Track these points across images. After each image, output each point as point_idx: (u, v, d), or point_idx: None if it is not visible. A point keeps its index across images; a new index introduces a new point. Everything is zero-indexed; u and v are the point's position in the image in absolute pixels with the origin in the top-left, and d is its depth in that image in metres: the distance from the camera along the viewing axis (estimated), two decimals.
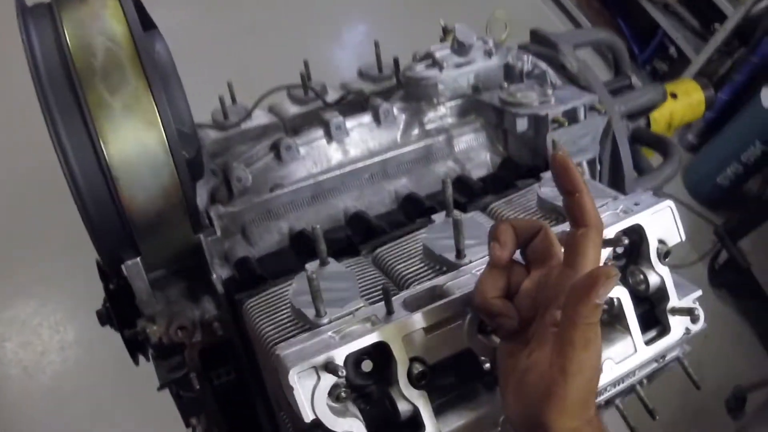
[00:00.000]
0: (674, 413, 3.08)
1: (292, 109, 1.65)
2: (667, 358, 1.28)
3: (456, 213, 1.22)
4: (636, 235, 1.21)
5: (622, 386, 1.24)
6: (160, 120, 1.15)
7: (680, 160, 1.59)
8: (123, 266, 1.21)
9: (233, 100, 1.66)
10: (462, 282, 1.09)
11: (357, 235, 1.36)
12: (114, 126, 1.13)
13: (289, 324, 1.13)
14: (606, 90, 1.50)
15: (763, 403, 2.94)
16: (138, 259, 1.21)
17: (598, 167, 1.50)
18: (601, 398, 1.23)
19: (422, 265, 1.20)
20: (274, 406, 1.31)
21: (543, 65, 1.57)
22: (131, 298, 1.25)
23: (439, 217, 1.24)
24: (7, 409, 3.14)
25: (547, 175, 1.32)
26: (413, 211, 1.41)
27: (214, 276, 1.27)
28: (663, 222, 1.22)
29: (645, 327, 1.23)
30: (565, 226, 1.18)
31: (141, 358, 1.40)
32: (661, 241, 1.22)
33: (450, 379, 1.15)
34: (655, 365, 1.26)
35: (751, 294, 3.34)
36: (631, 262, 1.24)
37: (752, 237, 3.32)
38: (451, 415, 1.10)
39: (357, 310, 1.07)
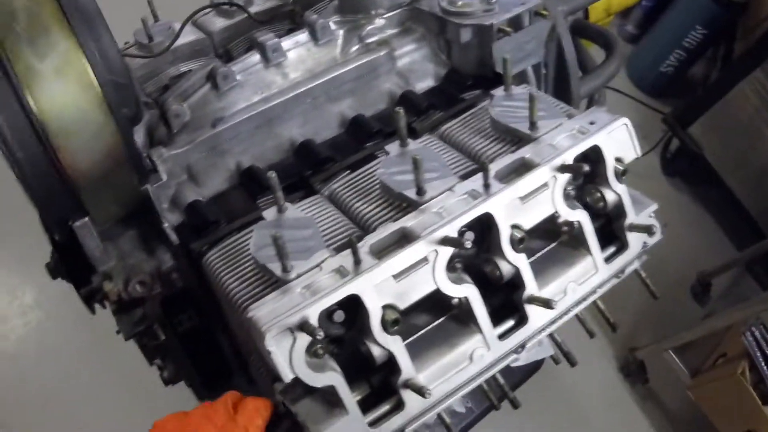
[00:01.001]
0: (641, 304, 3.17)
1: (219, 23, 1.57)
2: (626, 271, 1.30)
3: (411, 146, 1.20)
4: (594, 155, 1.20)
5: (585, 303, 1.26)
6: (95, 80, 1.07)
7: (622, 54, 1.58)
8: (73, 227, 1.16)
9: (155, 17, 1.56)
10: (426, 221, 1.08)
11: (306, 166, 1.32)
12: (48, 94, 1.06)
13: (254, 279, 1.11)
14: None
15: (728, 287, 3.01)
16: (87, 219, 1.17)
17: (544, 71, 1.48)
18: (566, 318, 1.25)
19: (382, 202, 1.18)
20: (242, 350, 1.31)
21: None
22: (81, 249, 1.21)
23: (392, 148, 1.21)
24: None
25: (498, 93, 1.29)
26: (361, 134, 1.37)
27: (166, 225, 1.23)
28: (619, 140, 1.22)
29: (603, 244, 1.25)
30: (523, 152, 1.18)
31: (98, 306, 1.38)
32: (618, 159, 1.22)
33: (419, 318, 1.17)
34: (614, 280, 1.29)
35: (705, 179, 3.38)
36: (589, 182, 1.24)
37: (701, 122, 3.31)
38: (426, 355, 1.12)
39: (323, 261, 1.06)
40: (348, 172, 1.29)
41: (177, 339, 1.29)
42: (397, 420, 1.08)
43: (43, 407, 2.87)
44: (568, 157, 1.15)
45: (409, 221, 1.09)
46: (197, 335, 1.31)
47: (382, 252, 1.06)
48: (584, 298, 1.24)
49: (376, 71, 1.46)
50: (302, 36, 1.46)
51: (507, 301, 1.18)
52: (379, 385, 1.10)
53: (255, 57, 1.41)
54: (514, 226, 1.12)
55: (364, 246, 1.07)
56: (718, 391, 2.37)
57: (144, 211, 1.24)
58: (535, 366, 2.36)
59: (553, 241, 1.24)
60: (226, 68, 1.37)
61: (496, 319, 1.16)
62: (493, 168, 1.15)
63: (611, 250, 1.26)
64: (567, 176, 1.15)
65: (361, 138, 1.35)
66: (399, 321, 1.04)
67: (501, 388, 1.26)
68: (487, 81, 1.37)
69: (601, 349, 3.07)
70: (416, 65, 1.50)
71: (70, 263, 1.26)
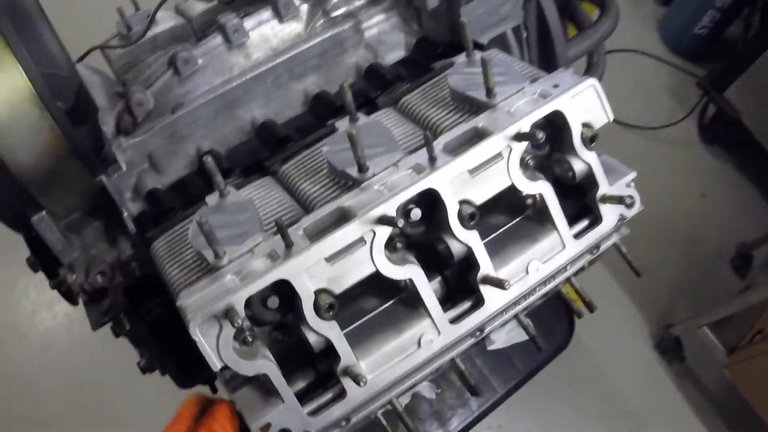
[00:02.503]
0: (678, 277, 3.05)
1: (198, 7, 1.53)
2: (603, 247, 1.22)
3: (361, 121, 1.15)
4: (558, 120, 1.12)
5: (554, 283, 1.19)
6: (25, 76, 1.05)
7: (617, 13, 1.47)
8: (32, 222, 1.16)
9: (136, 7, 1.55)
10: (365, 199, 1.03)
11: (265, 148, 1.28)
12: None
13: (193, 265, 1.08)
14: None
15: None
16: (43, 213, 1.16)
17: (525, 34, 1.39)
18: (531, 299, 1.18)
19: (328, 181, 1.13)
20: None
21: None
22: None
23: (342, 124, 1.16)
24: (4, 371, 3.17)
25: (459, 60, 1.22)
26: (324, 111, 1.32)
27: (125, 214, 1.21)
28: (586, 103, 1.12)
29: (576, 218, 1.18)
30: (477, 120, 1.11)
31: None
32: (586, 125, 1.13)
33: (367, 301, 1.12)
34: (589, 257, 1.21)
35: (744, 145, 3.21)
36: (556, 150, 1.16)
37: (737, 85, 3.14)
38: (370, 341, 1.07)
39: (256, 246, 1.03)
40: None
41: (146, 327, 1.27)
42: (338, 409, 1.03)
43: (72, 397, 2.96)
44: (525, 125, 1.06)
45: (347, 200, 1.04)
46: (168, 323, 1.29)
47: (318, 234, 1.01)
48: (553, 277, 1.17)
49: (342, 45, 1.40)
50: (266, 14, 1.42)
51: (463, 283, 1.11)
52: (326, 372, 1.07)
53: (217, 39, 1.38)
54: (464, 202, 1.05)
55: (299, 228, 1.02)
56: (755, 369, 2.24)
57: (108, 203, 1.24)
58: (559, 346, 2.27)
59: (518, 217, 1.17)
60: (187, 53, 1.34)
61: (453, 302, 1.10)
62: (443, 140, 1.08)
63: (584, 224, 1.17)
64: (524, 145, 1.07)
65: (325, 115, 1.30)
66: (334, 306, 0.99)
67: (462, 374, 1.19)
68: (459, 48, 1.29)
69: (635, 325, 2.97)
70: (385, 36, 1.44)
71: (41, 257, 1.26)
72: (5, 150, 1.08)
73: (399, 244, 1.06)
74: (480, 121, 1.09)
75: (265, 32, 1.41)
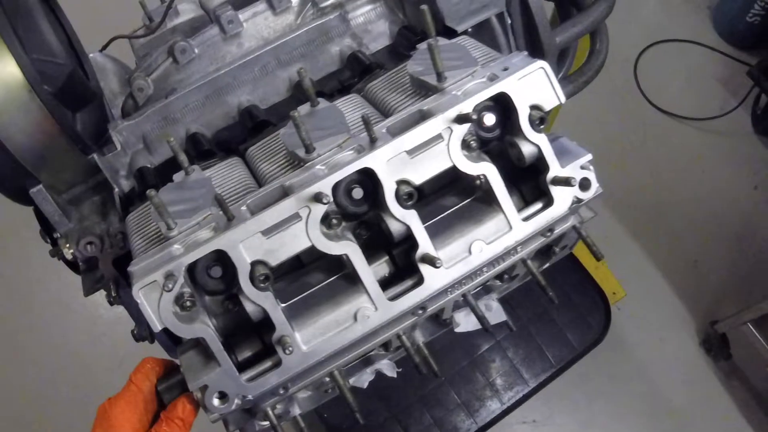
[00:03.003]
0: (727, 270, 2.96)
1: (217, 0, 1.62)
2: (558, 230, 1.21)
3: (321, 105, 1.20)
4: (506, 102, 1.14)
5: (504, 264, 1.20)
6: (14, 60, 1.18)
7: None
8: (30, 194, 1.28)
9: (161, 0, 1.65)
10: (306, 178, 1.08)
11: (246, 132, 1.35)
12: None
13: (153, 237, 1.16)
14: None
15: None
16: (40, 186, 1.27)
17: (509, 21, 1.40)
18: (479, 280, 1.19)
19: (284, 162, 1.19)
20: None
21: None
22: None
23: (303, 109, 1.21)
24: (53, 343, 3.39)
25: (421, 47, 1.25)
26: (304, 97, 1.37)
27: (116, 190, 1.32)
28: (535, 85, 1.14)
29: (532, 201, 1.19)
30: (424, 103, 1.14)
31: None
32: (535, 107, 1.14)
33: (313, 276, 1.17)
34: (542, 239, 1.21)
35: None
36: (507, 133, 1.18)
37: None
38: (308, 313, 1.12)
39: (204, 218, 1.09)
40: None
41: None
42: (274, 377, 1.09)
43: (117, 369, 3.07)
44: (466, 107, 1.09)
45: (290, 179, 1.09)
46: None
47: (259, 209, 1.07)
48: (502, 258, 1.18)
49: (328, 34, 1.45)
50: (260, 6, 1.49)
51: (408, 262, 1.15)
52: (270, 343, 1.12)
53: (214, 30, 1.47)
54: (402, 182, 1.09)
55: (243, 204, 1.09)
56: None
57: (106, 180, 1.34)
58: (594, 339, 2.24)
59: (468, 199, 1.19)
60: (185, 42, 1.43)
61: (395, 280, 1.14)
62: (389, 122, 1.12)
63: (537, 207, 1.18)
64: (465, 127, 1.10)
65: (303, 101, 1.35)
66: (269, 277, 1.05)
67: (421, 354, 1.22)
68: (440, 36, 1.32)
69: (681, 321, 2.89)
70: (371, 25, 1.48)
71: (46, 228, 1.37)
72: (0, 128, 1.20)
73: (335, 221, 1.10)
74: (426, 104, 1.12)
75: (259, 23, 1.49)
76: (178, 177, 1.19)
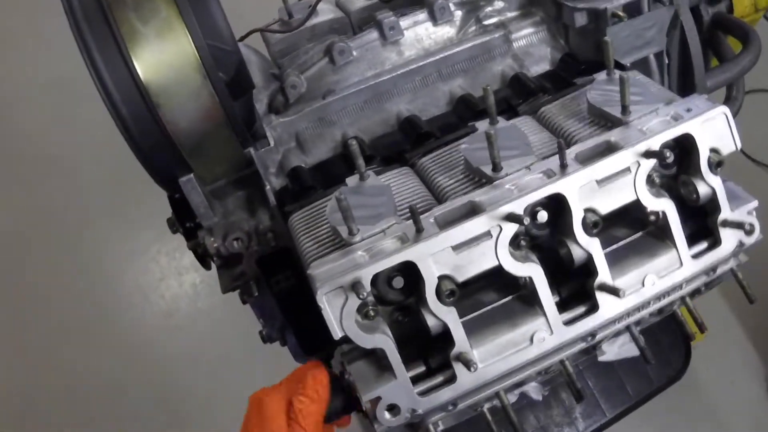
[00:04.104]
0: None
1: (358, 3, 1.62)
2: (719, 271, 1.23)
3: (501, 124, 1.20)
4: (687, 143, 1.15)
5: (668, 299, 1.21)
6: (193, 44, 1.17)
7: (759, 48, 1.47)
8: (179, 182, 1.26)
9: None
10: (496, 196, 1.08)
11: (407, 141, 1.35)
12: (149, 54, 1.16)
13: (327, 240, 1.15)
14: None
15: None
16: (191, 175, 1.26)
17: (666, 61, 1.42)
18: (644, 312, 1.20)
19: (462, 177, 1.19)
20: None
21: None
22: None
23: (482, 125, 1.21)
24: (129, 333, 3.36)
25: (600, 77, 1.26)
26: (466, 113, 1.38)
27: (268, 187, 1.31)
28: (716, 129, 1.15)
29: (696, 239, 1.20)
30: (610, 135, 1.15)
31: None
32: (713, 150, 1.15)
33: (487, 295, 1.17)
34: (705, 278, 1.22)
35: None
36: (683, 172, 1.19)
37: None
38: (485, 332, 1.11)
39: (389, 227, 1.09)
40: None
41: (274, 298, 1.35)
42: (447, 393, 1.08)
43: (191, 363, 3.11)
44: (655, 143, 1.10)
45: (478, 195, 1.09)
46: (294, 296, 1.36)
47: (448, 224, 1.07)
48: (668, 293, 1.19)
49: (491, 53, 1.46)
50: (421, 15, 1.49)
51: (580, 288, 1.15)
52: (438, 364, 1.12)
53: (373, 34, 1.46)
54: (589, 210, 1.09)
55: (430, 216, 1.08)
56: None
57: (253, 174, 1.33)
58: (673, 377, 2.25)
59: (640, 231, 1.20)
60: (344, 44, 1.43)
61: (568, 305, 1.14)
62: (576, 149, 1.13)
63: (703, 246, 1.19)
64: (651, 163, 1.11)
65: (466, 117, 1.36)
66: (455, 292, 1.05)
67: (569, 376, 1.22)
68: (601, 67, 1.33)
69: (753, 366, 2.89)
70: (533, 49, 1.49)
71: (182, 218, 1.36)
72: (166, 109, 1.18)
73: (523, 243, 1.10)
74: (613, 135, 1.13)
75: (419, 33, 1.49)
76: (352, 181, 1.18)
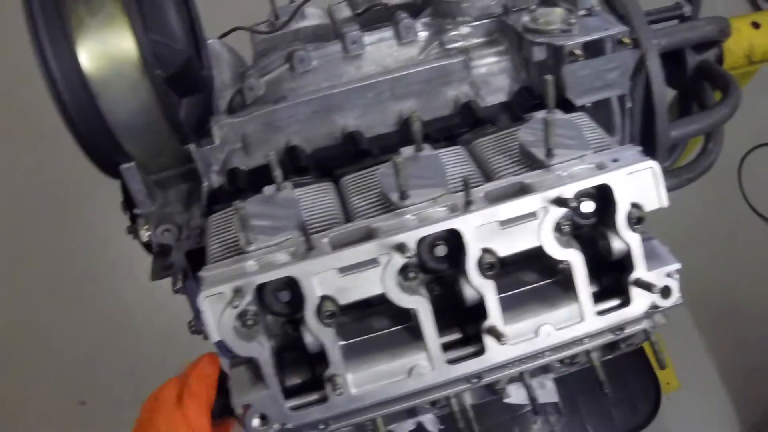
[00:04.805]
0: None
1: (345, 12, 1.61)
2: (628, 331, 1.19)
3: (425, 152, 1.19)
4: (610, 194, 1.11)
5: (567, 352, 1.18)
6: (134, 40, 1.21)
7: (737, 102, 1.41)
8: (120, 169, 1.29)
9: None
10: (394, 225, 1.07)
11: (346, 156, 1.35)
12: (92, 45, 1.21)
13: (231, 246, 1.16)
14: (645, 21, 1.34)
15: None
16: (133, 164, 1.29)
17: (629, 104, 1.37)
18: (540, 362, 1.18)
19: (376, 200, 1.17)
20: None
21: None
22: None
23: (406, 151, 1.20)
24: (109, 306, 3.50)
25: (538, 115, 1.23)
26: (410, 137, 1.35)
27: (205, 184, 1.33)
28: (641, 184, 1.11)
29: (609, 295, 1.16)
30: (526, 176, 1.12)
31: None
32: (635, 205, 1.11)
33: (380, 321, 1.17)
34: (611, 336, 1.19)
35: None
36: (601, 224, 1.16)
37: None
38: (364, 358, 1.11)
39: (284, 241, 1.09)
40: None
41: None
42: (317, 412, 1.09)
43: (171, 339, 3.02)
44: (568, 191, 1.07)
45: (378, 221, 1.08)
46: None
47: (342, 245, 1.07)
48: (567, 347, 1.16)
49: (448, 77, 1.43)
50: (387, 33, 1.48)
51: (473, 328, 1.13)
52: (320, 376, 1.12)
53: (336, 46, 1.46)
54: (487, 250, 1.08)
55: (326, 236, 1.08)
56: None
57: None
58: (638, 424, 2.19)
59: (548, 280, 1.17)
60: (304, 52, 1.43)
61: (458, 344, 1.13)
62: (488, 187, 1.11)
63: (613, 303, 1.15)
64: (561, 211, 1.08)
65: (410, 139, 1.34)
66: (334, 314, 1.04)
67: (466, 417, 1.20)
68: (558, 104, 1.30)
69: (728, 425, 2.82)
70: (492, 78, 1.45)
71: (129, 203, 1.39)
72: (105, 100, 1.23)
73: (412, 274, 1.09)
74: (529, 177, 1.11)
75: (382, 50, 1.48)
76: (268, 190, 1.19)
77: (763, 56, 1.70)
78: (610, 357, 1.32)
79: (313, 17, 1.60)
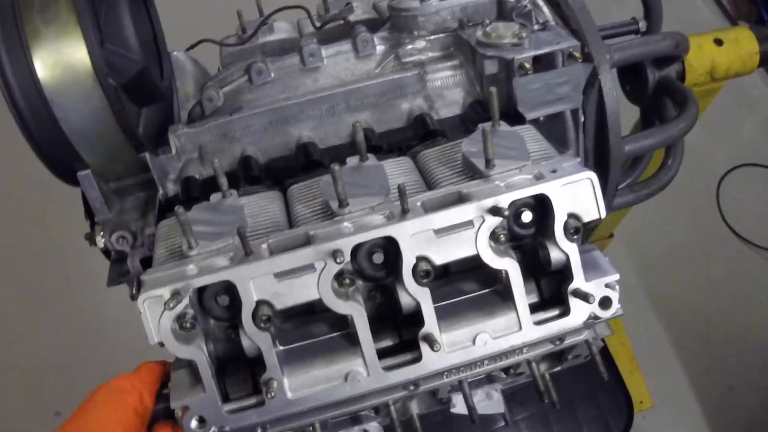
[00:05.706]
0: (764, 403, 2.88)
1: (310, 27, 1.65)
2: (569, 341, 1.20)
3: (369, 162, 1.20)
4: (548, 205, 1.12)
5: (507, 361, 1.19)
6: (86, 47, 1.24)
7: (694, 118, 1.41)
8: (77, 176, 1.31)
9: (260, 12, 1.68)
10: (331, 232, 1.08)
11: (298, 167, 1.36)
12: (47, 54, 1.25)
13: (177, 251, 1.18)
14: (599, 36, 1.35)
15: None
16: (88, 171, 1.31)
17: (582, 118, 1.38)
18: (478, 370, 1.19)
19: (318, 208, 1.19)
20: None
21: (540, 1, 1.45)
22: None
23: (352, 161, 1.22)
24: (87, 305, 3.51)
25: (484, 126, 1.24)
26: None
27: (160, 192, 1.35)
28: (579, 195, 1.12)
29: (550, 305, 1.17)
30: (465, 186, 1.14)
31: None
32: (573, 216, 1.12)
33: (318, 327, 1.18)
34: (551, 346, 1.20)
35: None
36: (540, 234, 1.17)
37: None
38: (301, 362, 1.12)
39: (225, 246, 1.11)
40: None
41: None
42: (254, 416, 1.10)
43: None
44: (504, 201, 1.08)
45: (316, 229, 1.10)
46: None
47: (279, 251, 1.08)
48: (506, 356, 1.17)
49: (402, 90, 1.46)
50: (345, 46, 1.50)
51: (411, 336, 1.14)
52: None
53: (294, 59, 1.48)
54: (422, 258, 1.09)
55: (265, 242, 1.10)
56: None
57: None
58: None
59: (487, 288, 1.18)
60: (262, 64, 1.45)
61: (395, 351, 1.14)
62: (425, 196, 1.12)
63: (552, 313, 1.16)
64: (496, 220, 1.09)
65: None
66: (270, 318, 1.06)
67: (412, 426, 1.22)
68: (508, 117, 1.31)
69: None
70: (447, 91, 1.47)
71: (88, 210, 1.41)
72: (58, 107, 1.26)
73: (348, 280, 1.10)
74: (467, 187, 1.12)
75: (339, 63, 1.50)
76: (215, 198, 1.21)
77: (726, 73, 1.70)
78: (558, 369, 1.34)
79: (281, 31, 1.63)
